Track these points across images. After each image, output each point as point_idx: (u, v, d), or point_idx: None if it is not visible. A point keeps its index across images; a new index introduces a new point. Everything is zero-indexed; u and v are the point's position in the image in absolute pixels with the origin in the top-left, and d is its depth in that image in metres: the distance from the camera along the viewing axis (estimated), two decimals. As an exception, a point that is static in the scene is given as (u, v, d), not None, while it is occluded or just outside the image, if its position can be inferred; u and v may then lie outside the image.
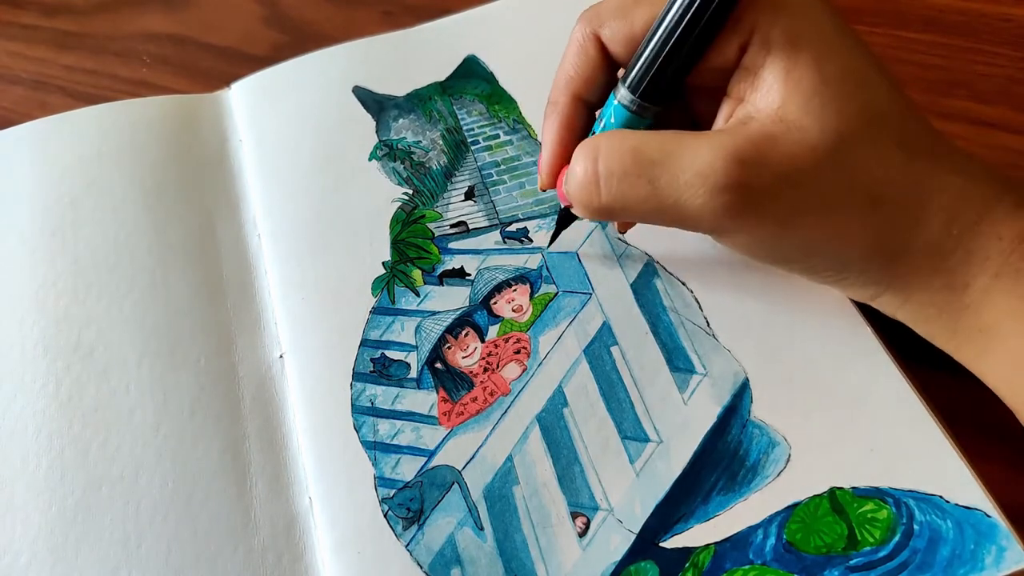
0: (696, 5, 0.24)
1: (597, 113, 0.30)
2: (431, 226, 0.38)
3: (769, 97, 0.25)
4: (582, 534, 0.30)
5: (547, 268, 0.36)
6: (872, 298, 0.28)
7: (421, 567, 0.29)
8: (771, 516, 0.29)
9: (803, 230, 0.25)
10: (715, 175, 0.24)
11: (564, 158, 0.30)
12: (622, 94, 0.27)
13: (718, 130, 0.25)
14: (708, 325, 0.33)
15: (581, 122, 0.30)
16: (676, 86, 0.27)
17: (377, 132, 0.41)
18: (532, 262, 0.36)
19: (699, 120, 0.29)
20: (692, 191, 0.24)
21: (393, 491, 0.31)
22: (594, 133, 0.29)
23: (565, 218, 0.34)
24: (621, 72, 0.28)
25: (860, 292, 0.28)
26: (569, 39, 0.29)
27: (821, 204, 0.25)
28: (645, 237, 0.36)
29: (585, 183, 0.27)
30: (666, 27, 0.25)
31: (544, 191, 0.35)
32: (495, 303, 0.35)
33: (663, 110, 0.28)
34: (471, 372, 0.33)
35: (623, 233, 0.35)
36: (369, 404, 0.33)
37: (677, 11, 0.25)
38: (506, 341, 0.34)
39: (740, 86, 0.26)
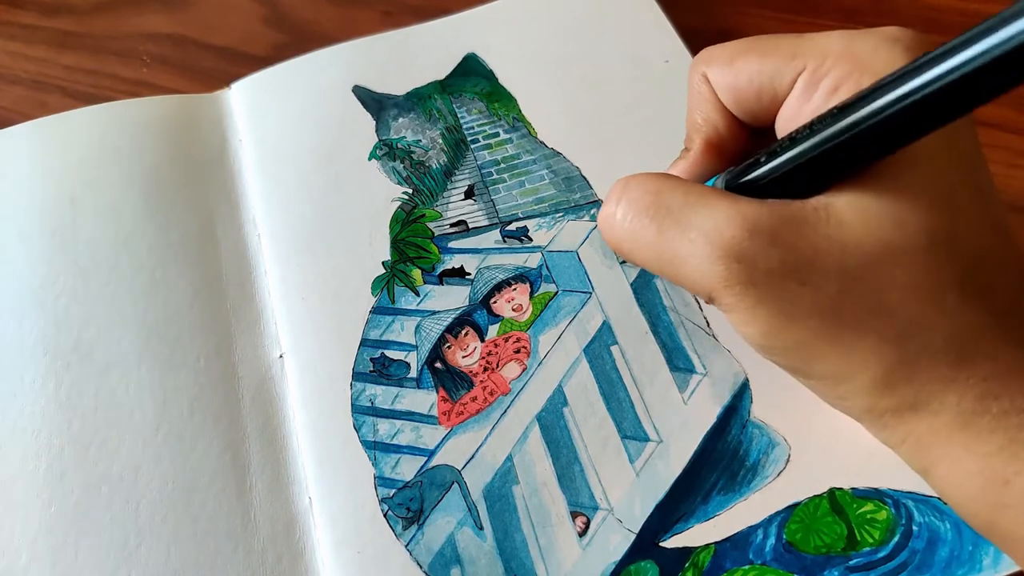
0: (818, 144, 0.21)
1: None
2: (431, 225, 0.38)
3: None
4: (582, 534, 0.30)
5: (547, 267, 0.36)
6: (892, 446, 0.24)
7: (421, 567, 0.29)
8: (771, 516, 0.29)
9: (803, 332, 0.22)
10: (720, 240, 0.21)
11: None
12: (720, 180, 0.25)
13: (749, 198, 0.22)
14: (708, 325, 0.33)
15: (706, 171, 0.27)
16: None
17: (377, 131, 0.41)
18: (532, 261, 0.36)
19: None
20: (693, 249, 0.22)
21: (393, 491, 0.31)
22: None
23: None
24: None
25: (875, 433, 0.24)
26: (688, 81, 0.27)
27: (831, 312, 0.21)
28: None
29: (606, 214, 0.25)
30: (778, 163, 0.22)
31: None
32: (495, 302, 0.35)
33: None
34: (471, 371, 0.33)
35: None
36: (369, 404, 0.33)
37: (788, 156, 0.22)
38: (506, 340, 0.34)
39: (787, 126, 0.23)
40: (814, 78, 0.22)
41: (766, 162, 0.22)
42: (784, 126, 0.23)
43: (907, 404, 0.22)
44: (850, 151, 0.20)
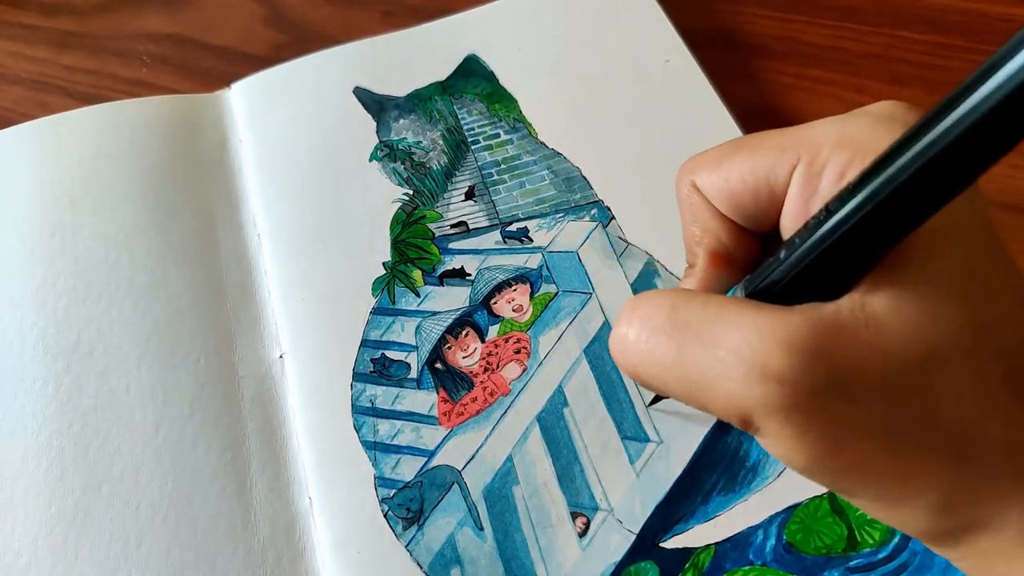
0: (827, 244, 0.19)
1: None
2: (431, 226, 0.38)
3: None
4: (582, 534, 0.30)
5: (547, 268, 0.36)
6: (951, 560, 0.22)
7: (421, 567, 0.29)
8: (771, 517, 0.29)
9: (856, 456, 0.19)
10: (755, 358, 0.18)
11: None
12: (739, 290, 0.23)
13: (775, 305, 0.20)
14: (708, 325, 0.33)
15: (719, 286, 0.24)
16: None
17: (377, 132, 0.41)
18: (532, 262, 0.36)
19: None
20: (723, 370, 0.19)
21: (393, 491, 0.31)
22: None
23: None
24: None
25: (932, 548, 0.22)
26: (676, 195, 0.25)
27: (884, 432, 0.19)
28: (646, 236, 0.36)
29: (618, 336, 0.22)
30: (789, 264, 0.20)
31: None
32: (495, 303, 0.35)
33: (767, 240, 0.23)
34: (471, 372, 0.33)
35: None
36: (369, 404, 0.33)
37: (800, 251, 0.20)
38: (506, 341, 0.34)
39: (793, 226, 0.21)
40: (813, 170, 0.20)
41: (785, 259, 0.20)
42: (790, 224, 0.22)
43: (968, 524, 0.20)
44: (876, 227, 0.18)
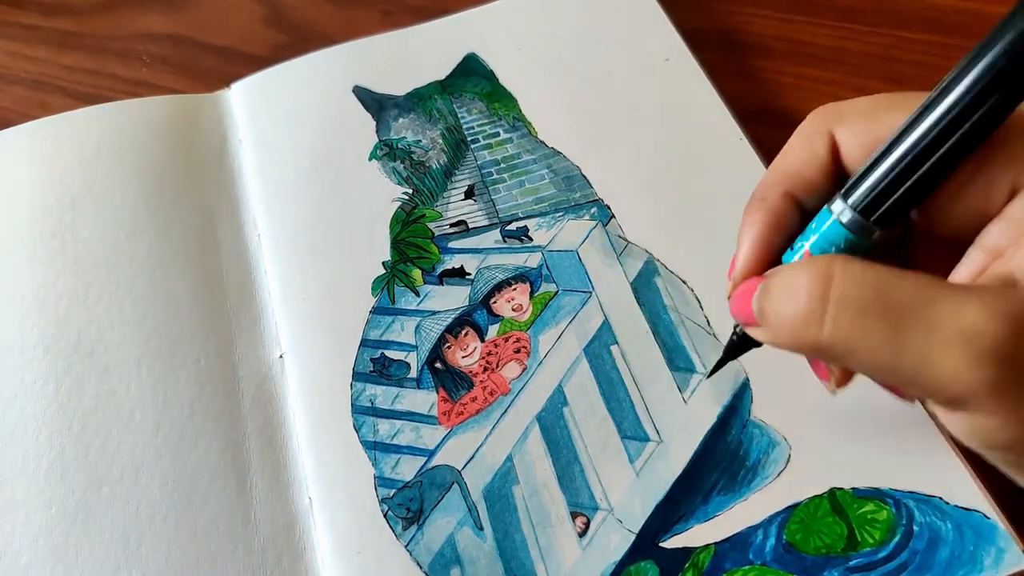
0: (961, 107, 0.20)
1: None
2: (431, 225, 0.38)
3: None
4: (582, 534, 0.30)
5: (547, 267, 0.36)
6: None
7: (421, 567, 0.29)
8: (771, 516, 0.29)
9: None
10: (983, 339, 0.19)
11: (764, 265, 0.24)
12: (840, 209, 0.22)
13: (983, 287, 0.20)
14: (709, 324, 0.33)
15: (790, 227, 0.24)
16: (909, 208, 0.22)
17: (377, 132, 0.41)
18: (532, 261, 0.36)
19: (912, 262, 0.25)
20: (947, 351, 0.19)
21: (393, 491, 0.31)
22: (795, 250, 0.24)
23: (740, 345, 0.26)
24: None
25: None
26: (796, 132, 0.25)
27: None
28: (645, 235, 0.36)
29: (807, 311, 0.21)
30: (917, 135, 0.21)
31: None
32: (495, 302, 0.35)
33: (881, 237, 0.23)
34: (471, 372, 0.33)
35: (840, 387, 0.26)
36: (369, 404, 0.33)
37: (935, 116, 0.20)
38: (506, 340, 0.34)
39: (1000, 239, 0.21)
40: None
41: (900, 159, 0.21)
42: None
43: None
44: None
